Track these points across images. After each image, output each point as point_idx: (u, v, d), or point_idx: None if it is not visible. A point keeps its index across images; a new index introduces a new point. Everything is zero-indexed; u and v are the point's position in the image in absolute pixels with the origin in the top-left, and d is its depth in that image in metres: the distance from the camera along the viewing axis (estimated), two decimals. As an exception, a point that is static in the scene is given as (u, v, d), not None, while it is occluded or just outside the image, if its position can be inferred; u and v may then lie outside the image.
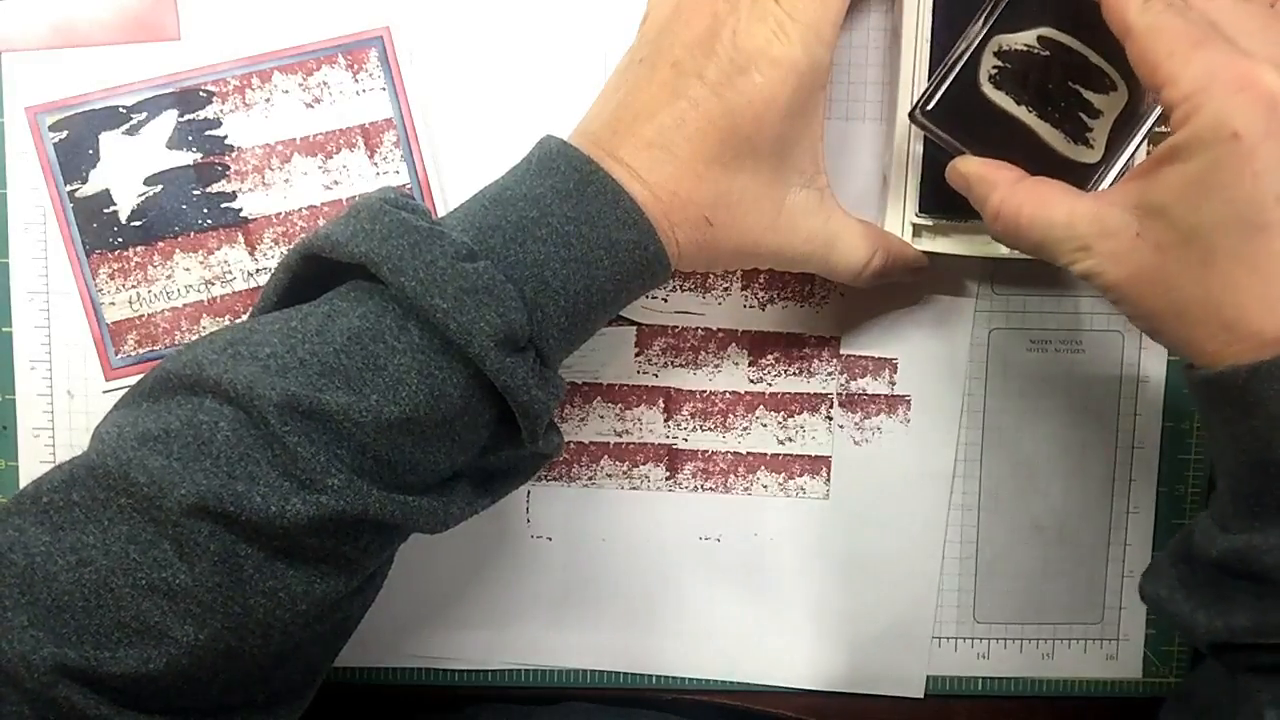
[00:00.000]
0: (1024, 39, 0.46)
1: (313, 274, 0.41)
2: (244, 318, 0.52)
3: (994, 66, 0.46)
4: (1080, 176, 0.46)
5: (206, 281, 0.52)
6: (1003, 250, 0.49)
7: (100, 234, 0.52)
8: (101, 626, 0.36)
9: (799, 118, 0.43)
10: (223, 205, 0.52)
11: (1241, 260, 0.36)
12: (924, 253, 0.50)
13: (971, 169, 0.45)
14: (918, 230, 0.50)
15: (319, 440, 0.37)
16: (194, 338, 0.52)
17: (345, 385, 0.38)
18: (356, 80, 0.52)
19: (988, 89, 0.46)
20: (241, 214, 0.52)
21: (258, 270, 0.52)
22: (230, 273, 0.52)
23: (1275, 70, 0.35)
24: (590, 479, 0.55)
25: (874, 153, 0.53)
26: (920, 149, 0.49)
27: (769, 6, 0.42)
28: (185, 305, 0.52)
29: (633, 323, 0.54)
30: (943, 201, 0.49)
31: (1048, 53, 0.46)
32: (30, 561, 0.37)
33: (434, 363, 0.39)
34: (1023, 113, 0.46)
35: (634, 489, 0.55)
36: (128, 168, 0.51)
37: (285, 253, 0.42)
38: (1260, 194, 0.35)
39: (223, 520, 0.36)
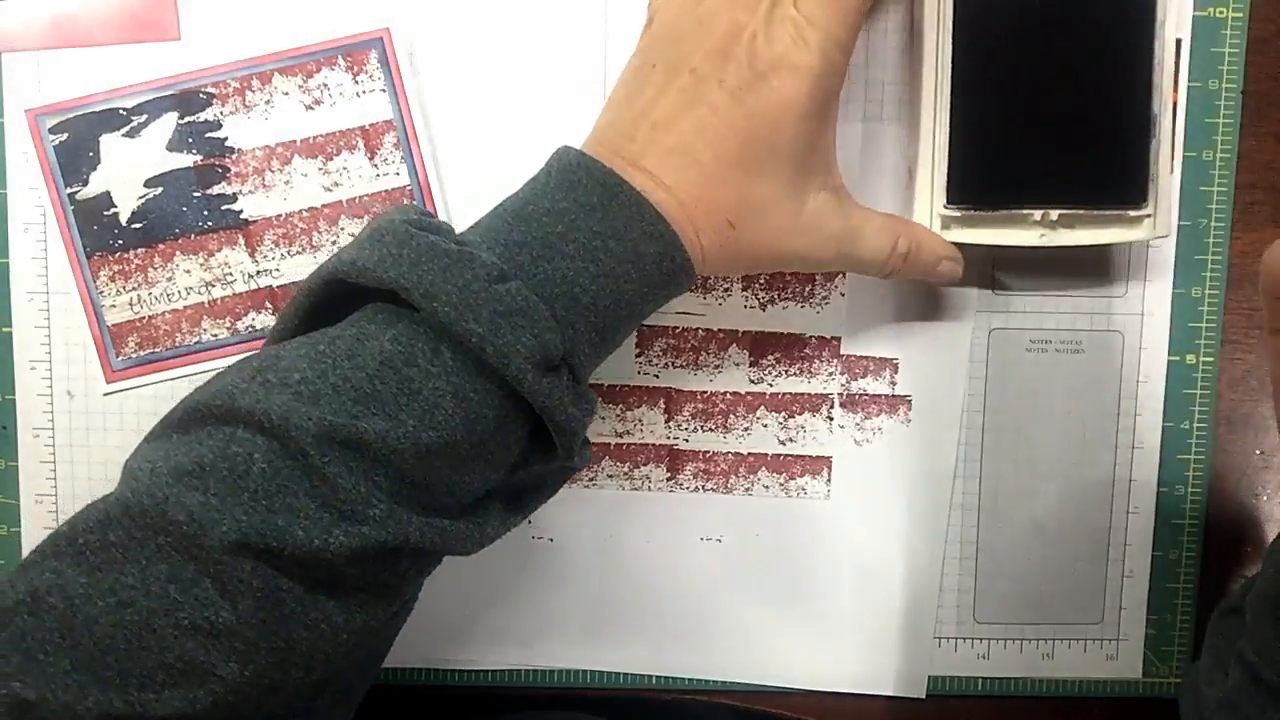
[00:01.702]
0: None
1: (331, 297, 0.41)
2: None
3: None
4: None
5: (207, 283, 0.52)
6: (1031, 239, 0.49)
7: (101, 236, 0.52)
8: (145, 668, 0.36)
9: (816, 121, 0.43)
10: (223, 207, 0.52)
11: None
12: (952, 243, 0.50)
13: None
14: (946, 222, 0.49)
15: (358, 470, 0.37)
16: (194, 339, 0.52)
17: (381, 412, 0.37)
18: (356, 82, 0.52)
19: None
20: (242, 216, 0.52)
21: (258, 272, 0.52)
22: (231, 274, 0.52)
23: None
24: (591, 480, 0.55)
25: (896, 152, 0.53)
26: (946, 139, 0.48)
27: (788, 12, 0.42)
28: (186, 307, 0.52)
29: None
30: (971, 191, 0.49)
31: None
32: (69, 605, 0.36)
33: (469, 386, 0.38)
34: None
35: (635, 490, 0.55)
36: (128, 170, 0.51)
37: (305, 277, 0.41)
38: None
39: (265, 556, 0.36)
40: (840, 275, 0.54)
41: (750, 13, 0.42)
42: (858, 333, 0.54)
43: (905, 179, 0.53)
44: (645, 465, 0.55)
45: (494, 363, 0.38)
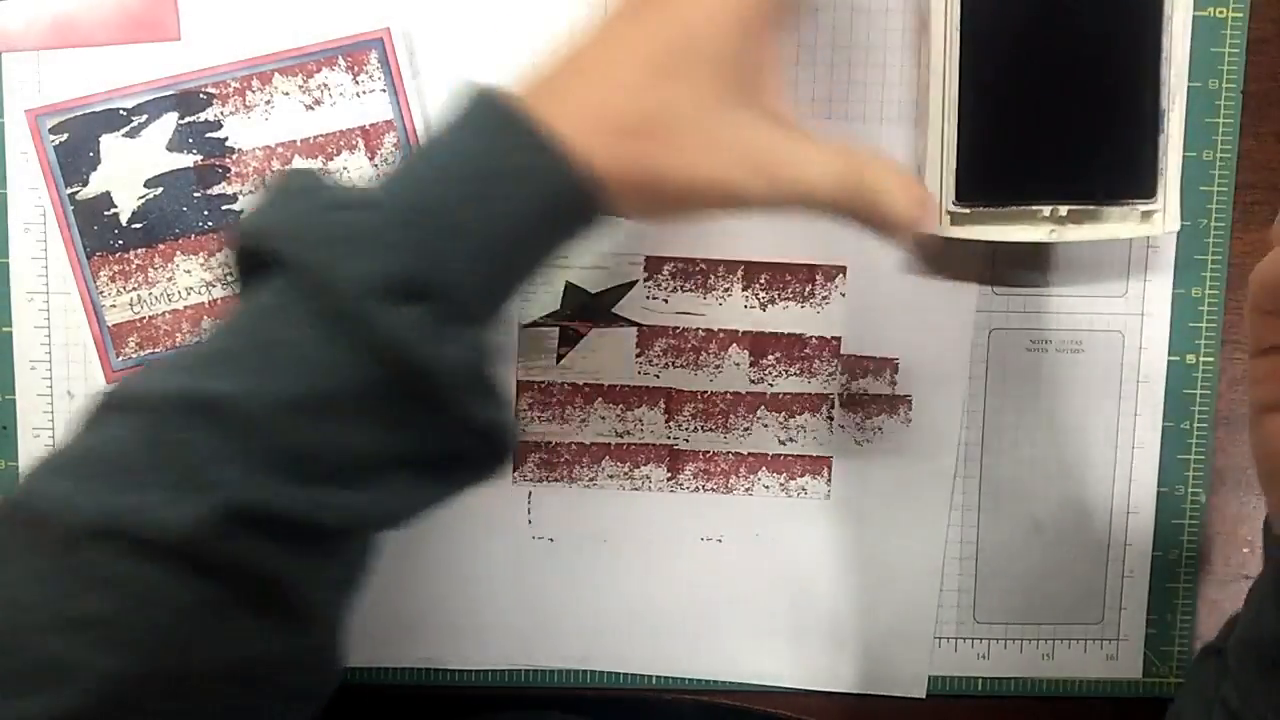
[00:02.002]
0: None
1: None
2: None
3: None
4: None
5: (207, 284, 0.52)
6: (1040, 235, 0.49)
7: (101, 236, 0.51)
8: (15, 672, 0.33)
9: (740, 33, 0.39)
10: (223, 207, 0.52)
11: None
12: (962, 240, 0.49)
13: None
14: (956, 218, 0.49)
15: (214, 434, 0.34)
16: (195, 340, 0.52)
17: (237, 370, 0.35)
18: (357, 82, 0.52)
19: None
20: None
21: (258, 272, 0.52)
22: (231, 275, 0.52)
23: None
24: (591, 480, 0.55)
25: (904, 152, 0.53)
26: (955, 136, 0.48)
27: None
28: (186, 307, 0.52)
29: (633, 324, 0.54)
30: (980, 187, 0.48)
31: None
32: None
33: (326, 332, 0.35)
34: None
35: (635, 490, 0.55)
36: (128, 170, 0.51)
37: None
38: None
39: (123, 538, 0.33)
40: (840, 275, 0.54)
41: None
42: (858, 333, 0.54)
43: (915, 174, 0.52)
44: (645, 465, 0.55)
45: (333, 296, 0.34)
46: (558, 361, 0.54)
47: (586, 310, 0.54)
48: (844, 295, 0.54)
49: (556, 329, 0.54)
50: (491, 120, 0.38)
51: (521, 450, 0.54)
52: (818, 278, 0.54)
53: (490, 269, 0.37)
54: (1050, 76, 0.48)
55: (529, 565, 0.55)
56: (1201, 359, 0.55)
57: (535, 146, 0.37)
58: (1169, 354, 0.55)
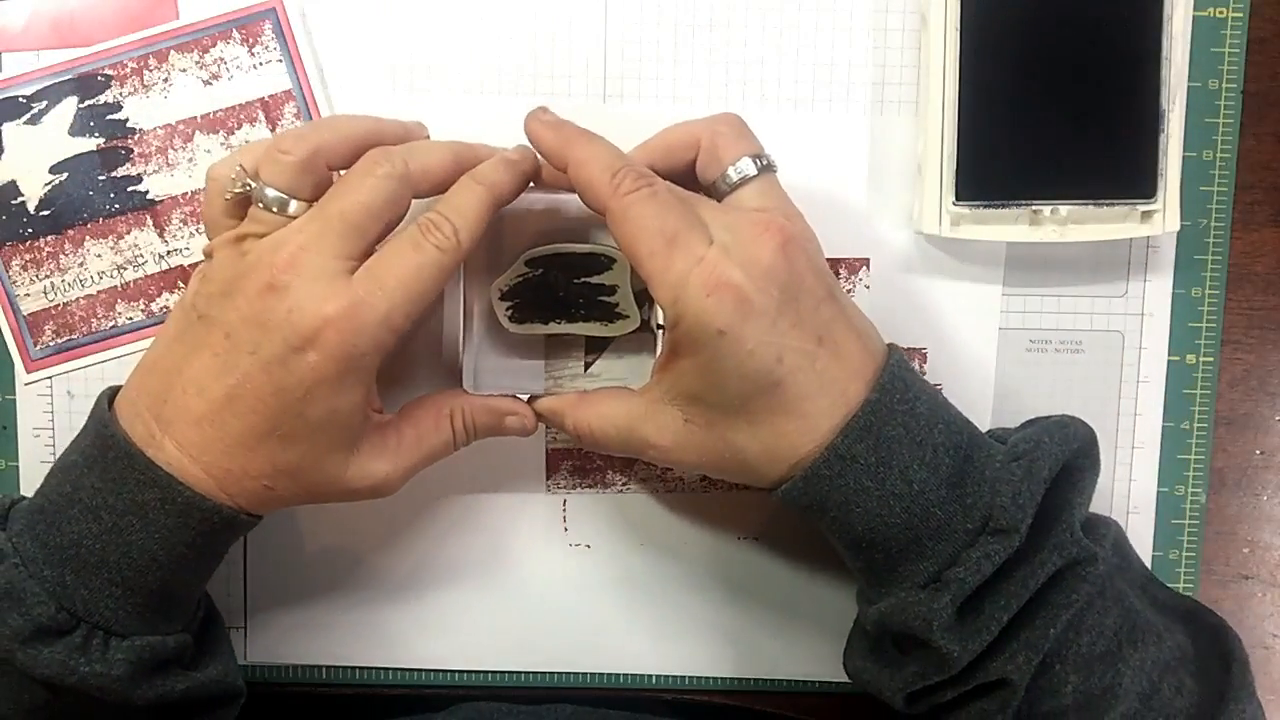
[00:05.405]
0: (514, 271, 0.47)
1: None
2: (153, 302, 0.51)
3: (507, 309, 0.47)
4: (640, 342, 0.49)
5: (119, 267, 0.52)
6: (1042, 235, 0.50)
7: (10, 226, 0.52)
8: None
9: (349, 391, 0.42)
10: (129, 189, 0.51)
11: (774, 410, 0.42)
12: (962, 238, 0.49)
13: (541, 408, 0.48)
14: (956, 219, 0.50)
15: None
16: (110, 324, 0.52)
17: None
18: (253, 54, 0.50)
19: (515, 329, 0.48)
20: (148, 196, 0.51)
21: (168, 252, 0.52)
22: (141, 256, 0.52)
23: (734, 263, 0.40)
24: (625, 484, 0.54)
25: (905, 145, 0.52)
26: (955, 136, 0.49)
27: (338, 286, 0.41)
28: (100, 291, 0.52)
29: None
30: (981, 187, 0.49)
31: (540, 270, 0.47)
32: None
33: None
34: (556, 327, 0.48)
35: (670, 492, 0.54)
36: (32, 157, 0.51)
37: None
38: (762, 364, 0.41)
39: None
40: (864, 267, 0.53)
41: (294, 273, 0.41)
42: (884, 324, 0.49)
43: (915, 172, 0.52)
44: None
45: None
46: (585, 370, 0.52)
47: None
48: (868, 288, 0.53)
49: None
50: (112, 453, 0.42)
51: (554, 458, 0.54)
52: (842, 270, 0.53)
53: (132, 591, 0.43)
54: (1050, 76, 0.49)
55: (568, 572, 0.55)
56: (1201, 359, 0.54)
57: (154, 481, 0.41)
58: (1169, 354, 0.54)
